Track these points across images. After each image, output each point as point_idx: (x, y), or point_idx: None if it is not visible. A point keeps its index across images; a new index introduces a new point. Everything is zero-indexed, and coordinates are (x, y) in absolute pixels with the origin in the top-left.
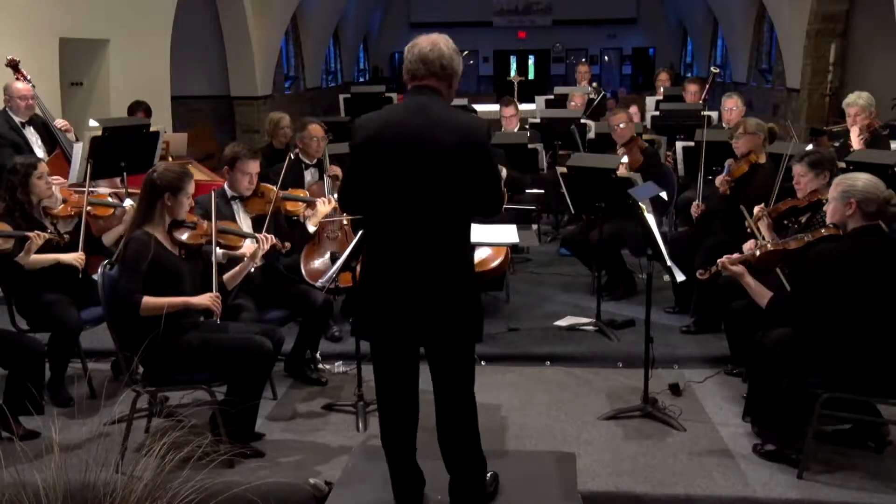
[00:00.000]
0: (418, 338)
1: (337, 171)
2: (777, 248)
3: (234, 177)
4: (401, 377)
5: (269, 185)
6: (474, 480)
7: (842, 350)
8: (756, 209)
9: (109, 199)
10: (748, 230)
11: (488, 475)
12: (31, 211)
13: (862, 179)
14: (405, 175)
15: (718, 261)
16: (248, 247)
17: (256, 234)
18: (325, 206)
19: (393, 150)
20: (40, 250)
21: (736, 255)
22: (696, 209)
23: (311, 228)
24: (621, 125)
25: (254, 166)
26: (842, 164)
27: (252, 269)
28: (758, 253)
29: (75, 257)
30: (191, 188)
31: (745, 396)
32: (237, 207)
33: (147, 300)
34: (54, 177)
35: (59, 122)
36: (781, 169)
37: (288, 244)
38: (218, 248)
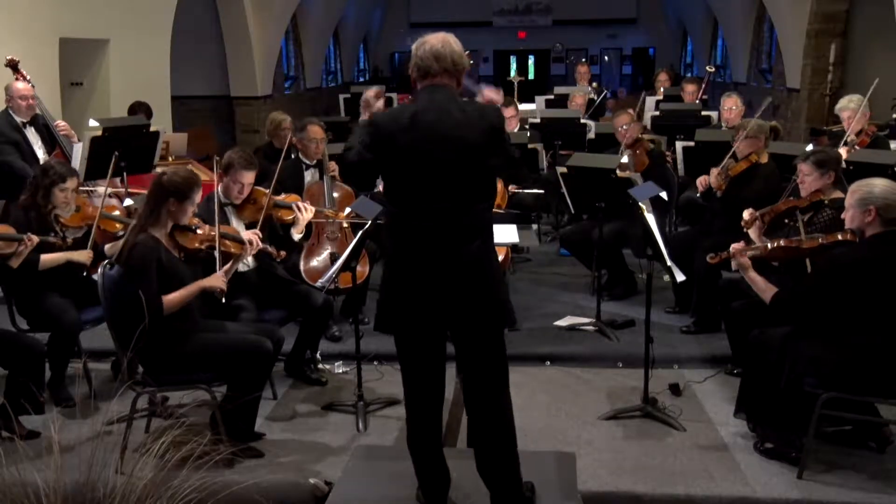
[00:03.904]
0: (445, 321)
1: (336, 169)
2: (790, 245)
3: (226, 184)
4: (429, 366)
5: (261, 190)
6: (511, 487)
7: (843, 351)
8: (745, 214)
9: (118, 213)
10: (745, 230)
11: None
12: (46, 214)
13: (879, 185)
14: (429, 168)
15: (732, 246)
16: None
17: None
18: (305, 213)
19: (415, 146)
20: (43, 252)
21: (748, 247)
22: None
23: (296, 237)
24: (625, 126)
25: (248, 177)
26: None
27: (243, 268)
28: (769, 247)
29: (85, 255)
30: (197, 197)
31: (737, 393)
32: (230, 213)
33: (167, 299)
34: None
35: (60, 125)
36: None
37: (283, 252)
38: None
